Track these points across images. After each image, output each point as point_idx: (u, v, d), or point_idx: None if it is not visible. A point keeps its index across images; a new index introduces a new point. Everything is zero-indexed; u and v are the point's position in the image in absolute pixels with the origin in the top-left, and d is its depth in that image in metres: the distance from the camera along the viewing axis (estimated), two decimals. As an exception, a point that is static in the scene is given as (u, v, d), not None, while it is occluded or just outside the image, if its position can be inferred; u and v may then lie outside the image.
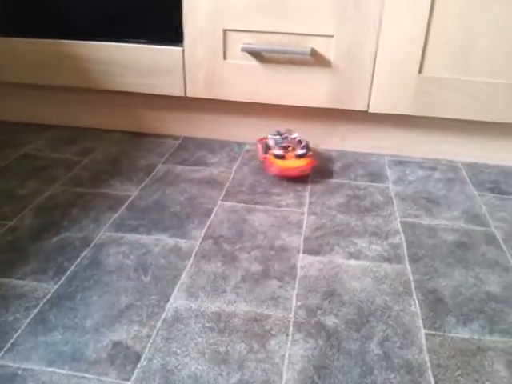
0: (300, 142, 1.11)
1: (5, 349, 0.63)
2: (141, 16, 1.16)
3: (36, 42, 1.20)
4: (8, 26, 1.21)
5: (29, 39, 1.21)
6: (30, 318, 0.68)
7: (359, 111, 1.18)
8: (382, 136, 1.22)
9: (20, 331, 0.66)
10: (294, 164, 1.04)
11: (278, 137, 1.11)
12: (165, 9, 1.15)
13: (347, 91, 1.14)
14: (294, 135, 1.13)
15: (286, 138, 1.12)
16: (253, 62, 1.15)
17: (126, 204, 0.96)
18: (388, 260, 0.82)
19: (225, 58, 1.15)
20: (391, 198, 1.01)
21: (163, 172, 1.09)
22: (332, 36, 1.09)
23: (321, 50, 1.11)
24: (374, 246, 0.85)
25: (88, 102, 1.31)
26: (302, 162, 1.05)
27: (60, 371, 0.60)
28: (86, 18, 1.18)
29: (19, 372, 0.60)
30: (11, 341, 0.64)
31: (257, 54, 1.14)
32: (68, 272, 0.77)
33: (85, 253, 0.82)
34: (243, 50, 1.12)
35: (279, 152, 1.06)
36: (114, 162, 1.13)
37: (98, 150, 1.20)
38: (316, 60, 1.12)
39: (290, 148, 1.09)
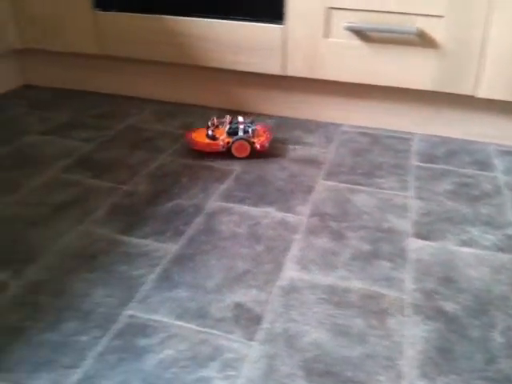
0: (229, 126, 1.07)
1: (134, 301, 0.67)
2: (247, -6, 1.18)
3: (142, 18, 1.25)
4: (116, 2, 1.27)
5: (135, 14, 1.26)
6: (154, 275, 0.72)
7: (465, 96, 1.14)
8: (489, 123, 1.17)
9: (146, 285, 0.70)
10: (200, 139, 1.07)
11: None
12: (271, -13, 1.16)
13: (454, 74, 1.10)
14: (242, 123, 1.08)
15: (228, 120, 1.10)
16: (356, 42, 1.13)
17: (232, 177, 0.99)
18: (503, 250, 0.79)
19: (327, 36, 1.15)
20: (500, 187, 0.97)
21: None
22: (442, 16, 1.05)
23: (428, 30, 1.08)
24: (487, 236, 0.82)
25: (186, 78, 1.35)
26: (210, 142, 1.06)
27: (188, 325, 0.63)
28: (193, -5, 1.21)
29: (150, 323, 0.64)
30: (139, 294, 0.68)
31: (360, 33, 1.12)
32: (185, 235, 0.81)
33: (198, 219, 0.85)
34: (347, 28, 1.11)
35: (211, 132, 1.06)
36: (213, 137, 1.17)
37: (197, 124, 1.23)
38: (422, 41, 1.09)
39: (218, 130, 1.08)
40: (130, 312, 0.65)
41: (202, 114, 1.30)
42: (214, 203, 0.90)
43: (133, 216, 0.86)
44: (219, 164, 1.04)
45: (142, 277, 0.71)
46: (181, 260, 0.75)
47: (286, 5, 1.14)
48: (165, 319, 0.64)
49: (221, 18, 1.20)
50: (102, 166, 1.02)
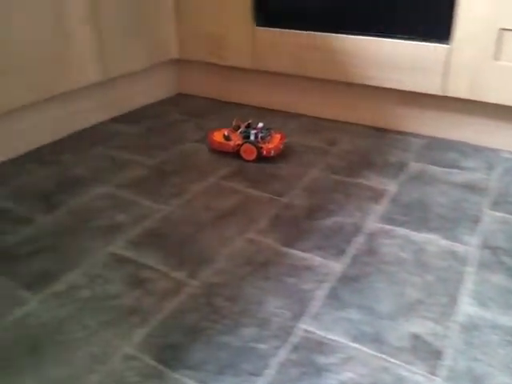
0: (244, 131, 1.15)
1: (306, 315, 0.67)
2: (407, 12, 1.15)
3: (296, 34, 1.28)
4: (274, 19, 1.31)
5: (291, 31, 1.29)
6: (322, 291, 0.72)
7: None
8: None
9: (316, 301, 0.70)
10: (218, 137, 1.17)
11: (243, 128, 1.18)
12: (435, 6, 1.12)
13: None
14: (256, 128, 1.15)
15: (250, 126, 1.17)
16: (530, 65, 1.05)
17: (387, 197, 0.96)
18: None
19: (497, 59, 1.08)
20: None
21: (417, 170, 1.07)
22: None
23: None
24: None
25: (333, 93, 1.35)
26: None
27: (365, 349, 0.62)
28: (344, 11, 1.21)
29: (326, 341, 0.63)
30: (310, 309, 0.69)
31: (535, 57, 1.04)
32: (347, 254, 0.80)
33: (358, 238, 0.84)
34: (521, 51, 1.04)
35: (226, 133, 1.15)
36: (362, 155, 1.15)
37: (342, 141, 1.22)
38: None
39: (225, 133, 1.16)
40: (304, 326, 0.65)
41: (347, 130, 1.29)
42: (372, 224, 0.88)
43: (293, 228, 0.87)
44: (372, 182, 1.02)
45: (311, 292, 0.72)
46: (346, 280, 0.74)
47: (455, 25, 1.09)
48: (340, 339, 0.63)
49: (379, 36, 1.19)
50: (259, 177, 1.05)
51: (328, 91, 1.35)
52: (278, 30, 1.30)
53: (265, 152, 1.10)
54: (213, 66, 1.49)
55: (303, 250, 0.81)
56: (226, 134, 1.13)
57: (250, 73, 1.44)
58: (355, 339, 0.63)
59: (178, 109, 1.47)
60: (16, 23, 1.07)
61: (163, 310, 0.69)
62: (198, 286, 0.73)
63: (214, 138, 1.15)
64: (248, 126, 1.15)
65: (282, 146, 1.14)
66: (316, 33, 1.26)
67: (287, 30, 1.29)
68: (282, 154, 1.15)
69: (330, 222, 0.89)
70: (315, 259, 0.79)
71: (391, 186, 1.01)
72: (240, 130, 1.14)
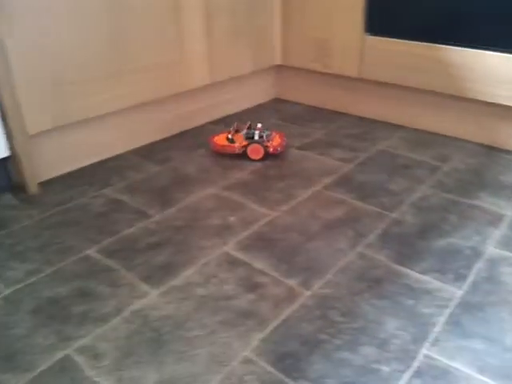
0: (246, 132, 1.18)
1: (427, 341, 0.65)
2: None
3: (411, 45, 1.24)
4: (387, 28, 1.28)
5: (404, 41, 1.25)
6: (443, 317, 0.69)
7: None
8: None
9: (437, 327, 0.67)
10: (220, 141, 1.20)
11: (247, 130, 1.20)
12: None
13: None
14: (257, 130, 1.19)
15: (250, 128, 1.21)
16: None
17: (506, 222, 0.91)
18: None
19: None
20: None
21: (536, 196, 1.00)
22: None
23: None
24: None
25: (444, 107, 1.29)
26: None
27: (493, 383, 0.59)
28: (458, 22, 1.16)
29: (450, 370, 0.60)
30: (431, 334, 0.66)
31: None
32: (467, 280, 0.76)
33: (479, 264, 0.80)
34: None
35: (230, 136, 1.19)
36: (474, 173, 1.09)
37: (453, 158, 1.17)
38: None
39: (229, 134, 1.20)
40: (426, 352, 0.63)
41: (455, 146, 1.24)
42: (493, 250, 0.83)
43: (406, 247, 0.84)
44: (487, 204, 0.97)
45: (432, 317, 0.69)
46: (469, 307, 0.70)
47: None
48: (465, 369, 0.60)
49: (490, 49, 1.13)
50: (364, 189, 1.03)
51: (435, 104, 1.30)
52: (388, 39, 1.27)
53: (271, 149, 1.16)
54: (313, 73, 1.49)
55: (419, 271, 0.78)
56: (229, 136, 1.18)
57: (355, 81, 1.42)
58: (481, 371, 0.60)
59: (276, 114, 1.48)
60: (134, 29, 1.12)
61: (278, 316, 0.69)
62: (310, 296, 0.73)
63: (218, 142, 1.18)
64: (249, 128, 1.19)
65: (285, 144, 1.20)
66: (428, 44, 1.21)
67: (398, 40, 1.26)
68: (390, 167, 1.12)
69: (444, 242, 0.85)
70: (433, 282, 0.75)
71: (509, 211, 0.95)
72: (244, 132, 1.18)
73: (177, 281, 0.77)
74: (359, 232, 0.88)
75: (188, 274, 0.78)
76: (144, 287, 0.75)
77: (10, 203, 1.01)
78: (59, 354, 0.64)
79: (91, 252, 0.84)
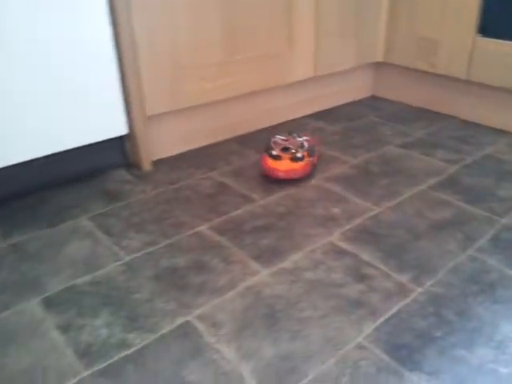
0: (302, 145, 1.09)
1: (548, 349, 0.63)
2: None
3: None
4: (494, 28, 1.23)
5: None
6: None
7: None
8: None
9: (558, 338, 0.65)
10: (283, 166, 1.02)
11: (280, 137, 1.12)
12: None
13: None
14: (302, 138, 1.11)
15: (289, 139, 1.11)
16: None
17: None
18: None
19: None
20: None
21: None
22: None
23: None
24: None
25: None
26: (294, 165, 1.03)
27: None
28: None
29: None
30: (552, 344, 0.64)
31: None
32: None
33: None
34: None
35: (275, 152, 1.05)
36: None
37: None
38: None
39: (292, 150, 1.07)
40: (549, 361, 0.61)
41: None
42: None
43: (520, 254, 0.81)
44: None
45: (551, 326, 0.66)
46: None
47: None
48: None
49: None
50: (471, 192, 1.00)
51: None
52: (501, 41, 1.22)
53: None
54: (415, 71, 1.46)
55: (537, 280, 0.75)
56: (299, 155, 1.04)
57: (461, 83, 1.37)
58: None
59: (374, 111, 1.47)
60: (246, 18, 1.16)
61: (390, 309, 0.70)
62: (422, 292, 0.73)
63: (283, 168, 1.02)
64: (288, 141, 1.10)
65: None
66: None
67: (511, 42, 1.21)
68: (497, 172, 1.08)
69: (562, 254, 0.81)
70: (552, 292, 0.72)
71: None
72: (290, 147, 1.07)
73: (285, 263, 0.79)
74: (468, 235, 0.86)
75: (295, 258, 0.81)
76: (255, 266, 0.79)
77: (126, 178, 1.08)
78: (180, 320, 0.68)
79: (203, 229, 0.89)
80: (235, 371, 0.60)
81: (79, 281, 0.76)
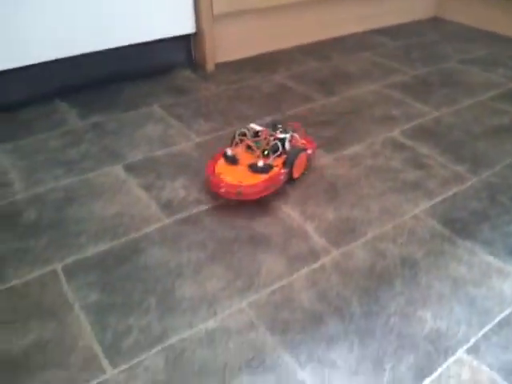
0: (276, 146, 0.74)
1: None
2: None
3: None
4: None
5: None
6: None
7: None
8: None
9: None
10: (230, 177, 0.70)
11: (254, 126, 0.79)
12: None
13: None
14: (284, 133, 0.76)
15: (264, 131, 0.77)
16: None
17: None
18: None
19: None
20: None
21: None
22: None
23: None
24: None
25: None
26: (248, 178, 0.70)
27: None
28: None
29: None
30: None
31: None
32: None
33: None
34: None
35: (230, 151, 0.74)
36: None
37: None
38: None
39: (256, 152, 0.74)
40: None
41: None
42: None
43: None
44: None
45: None
46: None
47: None
48: None
49: None
50: (532, 104, 1.01)
51: None
52: None
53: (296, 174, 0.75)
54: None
55: None
56: (260, 164, 0.70)
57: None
58: None
59: (435, 31, 1.44)
60: None
61: (446, 192, 0.74)
62: (478, 181, 0.76)
63: (213, 174, 0.71)
64: (257, 135, 0.77)
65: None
66: None
67: None
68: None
69: None
70: None
71: None
72: (272, 143, 0.74)
73: (346, 151, 0.84)
74: (527, 139, 0.88)
75: (356, 148, 0.85)
76: (318, 152, 0.83)
77: (190, 77, 1.13)
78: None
79: (266, 120, 0.94)
80: (300, 227, 0.66)
81: (156, 153, 0.83)
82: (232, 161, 0.73)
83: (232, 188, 0.68)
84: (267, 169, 0.70)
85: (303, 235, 0.65)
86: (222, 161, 0.74)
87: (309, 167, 0.78)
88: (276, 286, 0.58)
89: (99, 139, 0.87)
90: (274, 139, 0.75)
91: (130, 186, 0.75)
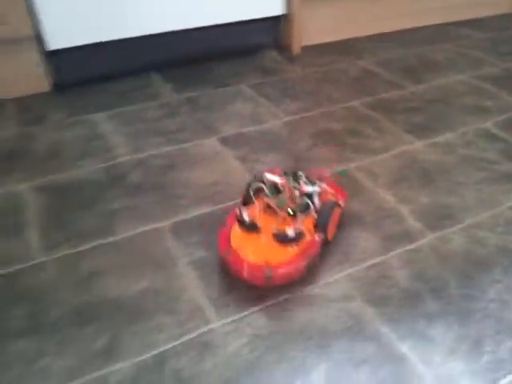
0: (306, 204, 0.57)
1: None
2: None
3: None
4: None
5: None
6: None
7: None
8: None
9: None
10: (257, 255, 0.53)
11: (270, 176, 0.60)
12: None
13: None
14: (311, 186, 0.59)
15: (284, 183, 0.60)
16: None
17: None
18: None
19: None
20: None
21: None
22: None
23: None
24: None
25: None
26: (278, 254, 0.53)
27: None
28: None
29: None
30: None
31: None
32: None
33: None
34: None
35: (247, 216, 0.56)
36: None
37: None
38: None
39: (280, 213, 0.57)
40: None
41: None
42: None
43: None
44: None
45: None
46: None
47: None
48: None
49: None
50: None
51: None
52: None
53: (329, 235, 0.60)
54: None
55: None
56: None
57: None
58: None
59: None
60: None
61: (544, 185, 0.72)
62: None
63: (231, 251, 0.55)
64: (276, 189, 0.60)
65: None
66: None
67: None
68: None
69: None
70: None
71: None
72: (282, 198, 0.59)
73: (438, 139, 0.83)
74: None
75: (448, 136, 0.84)
76: (408, 137, 0.83)
77: (276, 58, 1.15)
78: (340, 168, 0.76)
79: (355, 103, 0.94)
80: (394, 209, 0.67)
81: (247, 129, 0.86)
82: (250, 228, 0.55)
83: (258, 271, 0.52)
84: (298, 237, 0.54)
85: (397, 217, 0.66)
86: (237, 228, 0.56)
87: (341, 224, 0.63)
88: (371, 262, 0.59)
89: (193, 113, 0.91)
90: (301, 194, 0.58)
91: (225, 157, 0.78)
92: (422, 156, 0.78)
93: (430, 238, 0.62)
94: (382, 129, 0.86)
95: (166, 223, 0.65)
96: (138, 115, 0.90)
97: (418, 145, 0.81)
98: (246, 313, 0.53)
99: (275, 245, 0.54)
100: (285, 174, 0.62)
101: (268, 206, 0.58)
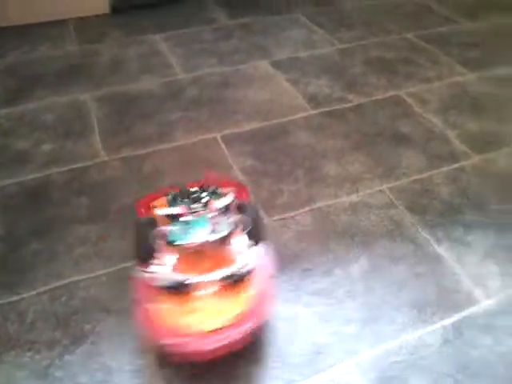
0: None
1: None
2: None
3: None
4: None
5: None
6: None
7: None
8: None
9: None
10: (212, 317, 0.39)
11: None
12: None
13: None
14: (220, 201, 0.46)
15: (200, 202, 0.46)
16: None
17: None
18: None
19: None
20: None
21: None
22: None
23: None
24: None
25: None
26: (230, 306, 0.40)
27: None
28: None
29: None
30: None
31: None
32: None
33: None
34: None
35: (169, 276, 0.41)
36: None
37: None
38: None
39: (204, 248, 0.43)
40: None
41: None
42: None
43: None
44: None
45: None
46: None
47: None
48: None
49: None
50: None
51: None
52: None
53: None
54: None
55: None
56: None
57: None
58: None
59: None
60: None
61: None
62: None
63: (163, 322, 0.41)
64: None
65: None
66: None
67: None
68: None
69: None
70: None
71: None
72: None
73: (492, 73, 0.82)
74: None
75: (502, 71, 0.83)
76: (462, 69, 0.83)
77: (331, -10, 1.14)
78: (391, 93, 0.77)
79: (409, 36, 0.93)
80: (442, 133, 0.68)
81: (301, 54, 0.87)
82: (179, 288, 0.41)
83: (220, 338, 0.39)
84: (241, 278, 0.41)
85: (444, 139, 0.67)
86: (161, 296, 0.40)
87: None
88: (416, 177, 0.61)
89: (247, 37, 0.93)
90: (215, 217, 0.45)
91: (278, 79, 0.80)
92: (475, 88, 0.78)
93: (474, 159, 0.64)
94: (437, 60, 0.85)
95: (221, 134, 0.69)
96: (193, 37, 0.93)
97: (471, 76, 0.81)
98: (293, 213, 0.57)
99: (226, 293, 0.41)
100: (174, 200, 0.48)
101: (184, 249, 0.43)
